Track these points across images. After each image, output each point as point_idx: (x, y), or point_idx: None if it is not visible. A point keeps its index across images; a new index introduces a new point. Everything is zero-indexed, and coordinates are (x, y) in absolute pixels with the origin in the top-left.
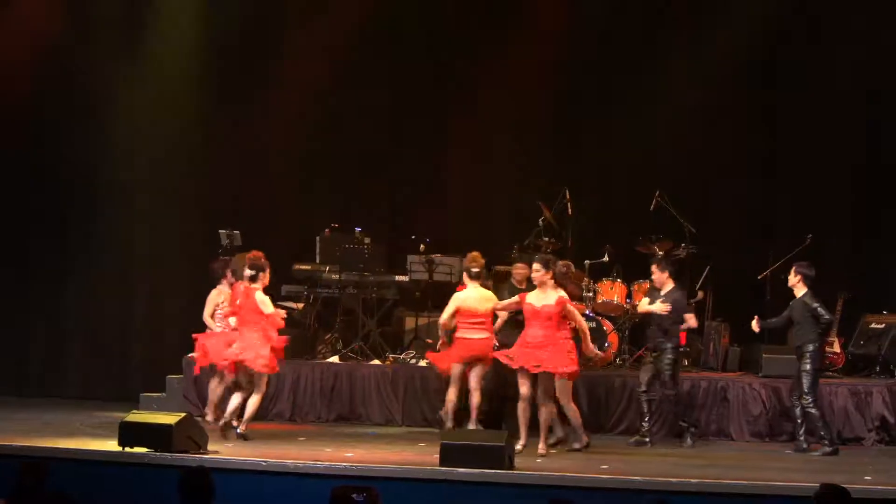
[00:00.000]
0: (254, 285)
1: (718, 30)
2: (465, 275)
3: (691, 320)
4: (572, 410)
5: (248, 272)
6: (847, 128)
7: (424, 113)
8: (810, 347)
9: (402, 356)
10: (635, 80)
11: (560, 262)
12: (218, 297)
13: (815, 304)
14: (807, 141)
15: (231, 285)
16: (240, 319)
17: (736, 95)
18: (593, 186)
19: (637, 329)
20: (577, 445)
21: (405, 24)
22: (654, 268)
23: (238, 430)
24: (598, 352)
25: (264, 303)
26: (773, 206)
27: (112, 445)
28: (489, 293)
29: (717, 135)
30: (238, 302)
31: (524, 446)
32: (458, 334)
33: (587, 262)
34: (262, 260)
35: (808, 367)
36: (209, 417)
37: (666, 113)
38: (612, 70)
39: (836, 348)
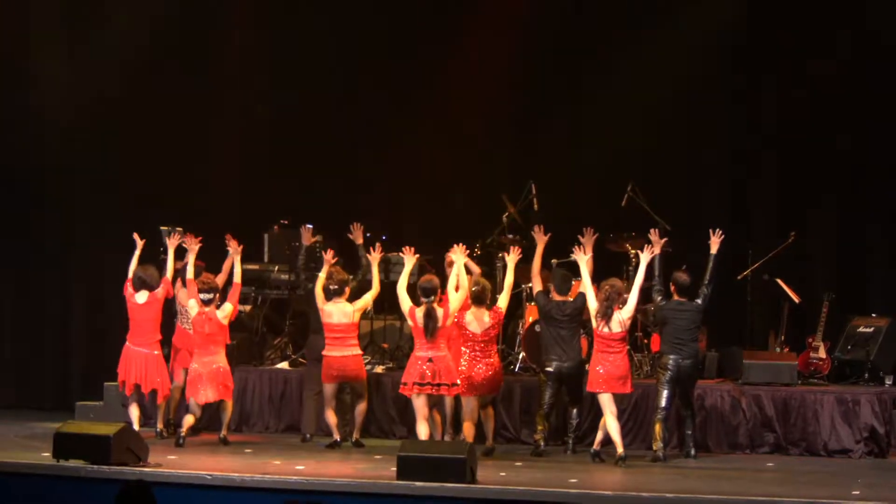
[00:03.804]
0: (207, 309)
1: (690, 18)
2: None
3: None
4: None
5: (204, 295)
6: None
7: (381, 106)
8: None
9: None
10: (605, 73)
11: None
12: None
13: None
14: (788, 135)
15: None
16: (200, 343)
17: (712, 87)
18: (562, 180)
19: None
20: None
21: (364, 22)
22: None
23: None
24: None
25: (226, 316)
26: (754, 203)
27: (46, 458)
28: (350, 307)
29: (693, 128)
30: (206, 330)
31: None
32: (324, 352)
33: (554, 260)
34: (215, 281)
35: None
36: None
37: (638, 105)
38: (582, 62)
39: (822, 354)
